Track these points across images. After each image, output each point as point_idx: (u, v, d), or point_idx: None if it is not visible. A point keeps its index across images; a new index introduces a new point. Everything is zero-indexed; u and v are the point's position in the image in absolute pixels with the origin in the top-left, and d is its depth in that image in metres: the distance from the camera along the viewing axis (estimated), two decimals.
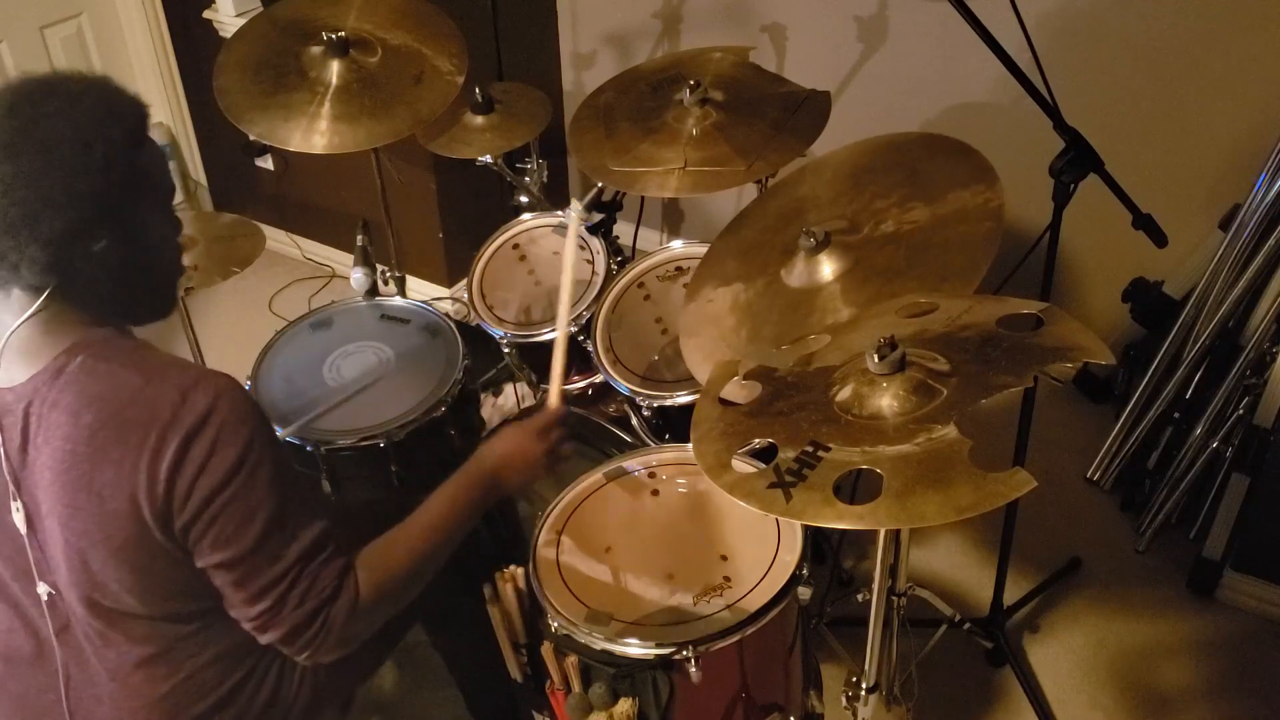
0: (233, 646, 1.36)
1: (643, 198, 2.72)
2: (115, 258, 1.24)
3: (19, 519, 1.26)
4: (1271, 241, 2.19)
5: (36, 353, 1.23)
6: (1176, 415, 2.40)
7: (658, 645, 1.41)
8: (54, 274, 1.20)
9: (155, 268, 1.31)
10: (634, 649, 1.42)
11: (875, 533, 1.40)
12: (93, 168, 1.18)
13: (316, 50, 2.13)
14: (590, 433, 1.98)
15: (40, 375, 1.22)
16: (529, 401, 2.31)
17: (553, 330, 2.04)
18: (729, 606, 1.47)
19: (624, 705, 1.47)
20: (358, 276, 2.18)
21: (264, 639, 1.30)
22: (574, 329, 2.02)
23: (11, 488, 1.25)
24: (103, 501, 1.20)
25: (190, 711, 1.35)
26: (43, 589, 1.30)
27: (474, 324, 2.14)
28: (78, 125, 1.19)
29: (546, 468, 1.56)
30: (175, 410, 1.19)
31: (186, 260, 2.65)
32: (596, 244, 2.17)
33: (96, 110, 1.21)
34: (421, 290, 3.24)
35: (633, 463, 1.71)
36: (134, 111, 1.25)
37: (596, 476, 1.69)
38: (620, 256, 2.19)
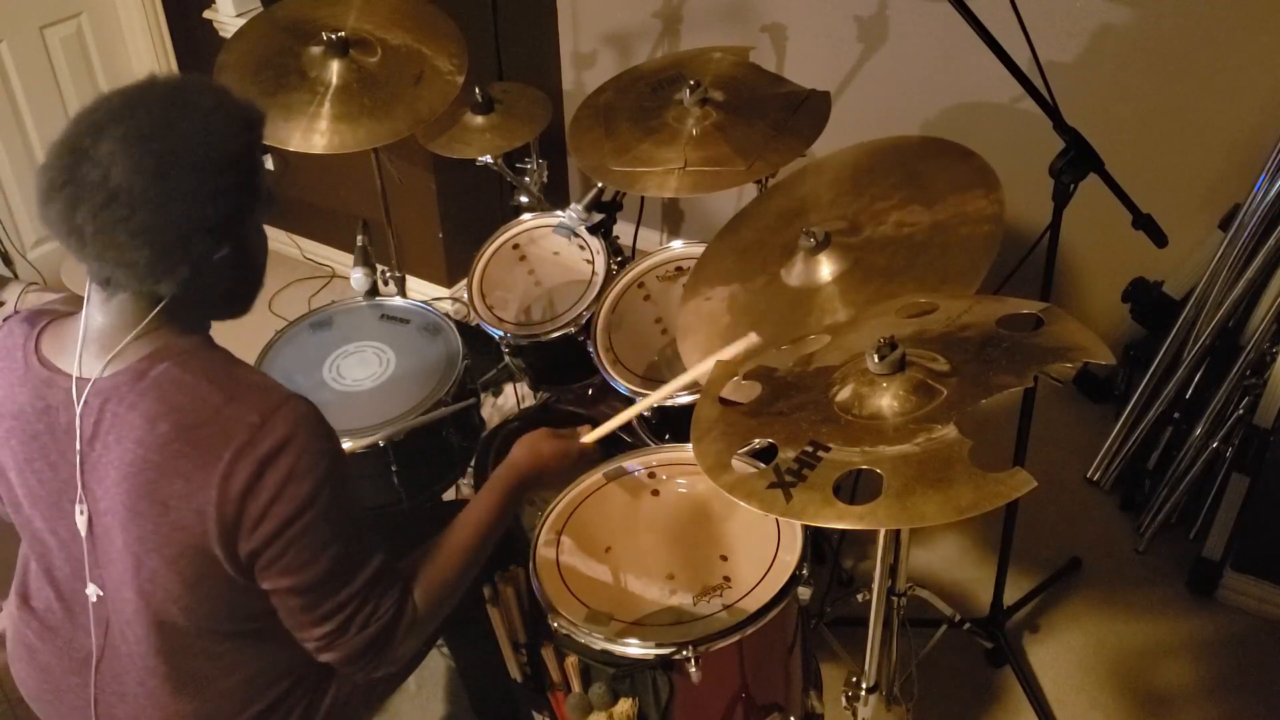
0: (264, 671, 1.36)
1: (643, 198, 2.72)
2: (230, 266, 1.24)
3: (81, 522, 1.25)
4: (1271, 241, 2.19)
5: (121, 351, 1.22)
6: (1176, 415, 2.40)
7: (658, 645, 1.41)
8: (187, 285, 1.20)
9: (257, 271, 1.32)
10: (634, 649, 1.42)
11: (875, 533, 1.40)
12: (230, 186, 1.18)
13: (316, 50, 2.13)
14: None
15: (122, 374, 1.21)
16: (529, 401, 2.31)
17: (553, 330, 2.04)
18: (729, 607, 1.47)
19: (624, 705, 1.47)
20: (358, 276, 2.18)
21: (323, 658, 1.30)
22: (575, 329, 2.02)
23: (79, 485, 1.24)
24: (166, 511, 1.19)
25: None
26: (92, 590, 1.30)
27: (474, 324, 2.13)
28: (217, 144, 1.18)
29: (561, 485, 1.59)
30: (253, 434, 1.18)
31: None
32: (596, 244, 2.17)
33: (235, 124, 1.20)
34: (421, 290, 3.25)
35: (633, 463, 1.71)
36: (259, 120, 1.25)
37: (596, 476, 1.69)
38: (620, 256, 2.19)
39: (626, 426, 1.95)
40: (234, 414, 1.19)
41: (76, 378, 1.23)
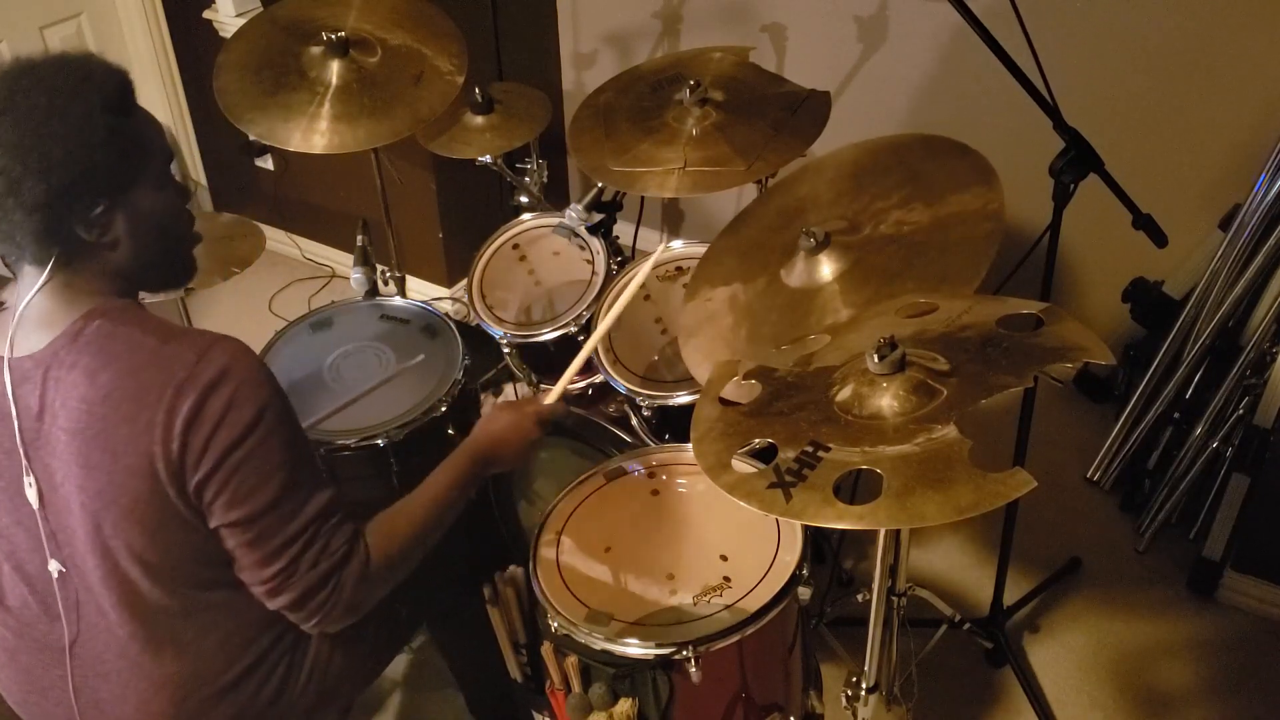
0: (240, 630, 1.37)
1: (643, 198, 2.72)
2: (120, 224, 1.26)
3: (31, 494, 1.28)
4: (1271, 241, 2.19)
5: (53, 321, 1.26)
6: (1176, 415, 2.40)
7: (658, 645, 1.41)
8: (52, 242, 1.23)
9: (167, 233, 1.34)
10: (634, 649, 1.42)
11: (875, 533, 1.40)
12: (69, 134, 1.20)
13: (316, 50, 2.13)
14: (590, 433, 1.97)
15: (59, 340, 1.25)
16: None
17: (553, 330, 2.04)
18: (729, 606, 1.47)
19: (624, 705, 1.47)
20: (358, 276, 2.18)
21: (275, 603, 1.31)
22: (575, 329, 2.02)
23: (24, 461, 1.27)
24: (117, 458, 1.22)
25: (196, 695, 1.35)
26: (53, 566, 1.31)
27: (474, 324, 2.13)
28: (52, 94, 1.21)
29: (532, 453, 1.60)
30: (191, 368, 1.22)
31: None
32: (596, 244, 2.16)
33: (70, 80, 1.23)
34: (421, 290, 3.24)
35: (633, 463, 1.71)
36: (111, 79, 1.27)
37: (596, 476, 1.69)
38: (620, 256, 2.19)
39: (627, 426, 1.96)
40: (171, 353, 1.23)
41: (8, 359, 1.27)
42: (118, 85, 1.27)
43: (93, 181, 1.23)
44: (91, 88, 1.24)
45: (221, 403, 1.22)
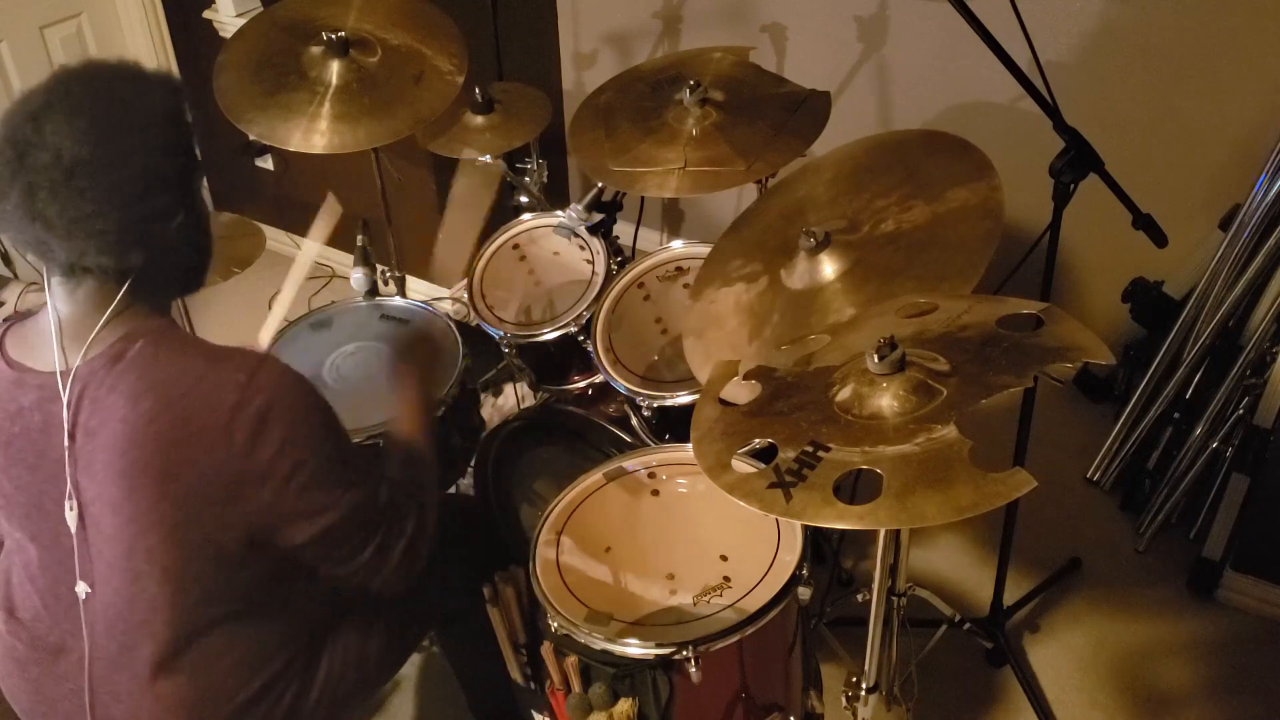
0: (253, 653, 1.36)
1: (643, 198, 2.72)
2: (188, 233, 1.27)
3: (71, 518, 1.26)
4: (1271, 241, 2.19)
5: (80, 334, 1.25)
6: (1176, 415, 2.40)
7: (658, 645, 1.41)
8: (143, 256, 1.23)
9: (209, 240, 1.35)
10: (634, 649, 1.42)
11: (875, 533, 1.40)
12: (173, 145, 1.22)
13: (316, 50, 2.13)
14: (590, 433, 1.98)
15: (97, 360, 1.23)
16: (529, 401, 2.31)
17: (553, 330, 2.04)
18: (729, 606, 1.47)
19: (624, 705, 1.47)
20: (358, 276, 2.18)
21: (374, 581, 1.36)
22: (575, 329, 2.02)
23: (70, 485, 1.25)
24: (166, 482, 1.21)
25: (204, 716, 1.34)
26: (81, 589, 1.30)
27: (474, 324, 2.13)
28: (153, 105, 1.22)
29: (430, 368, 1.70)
30: (243, 391, 1.22)
31: None
32: (596, 244, 2.16)
33: (159, 85, 1.24)
34: (421, 290, 3.24)
35: (633, 463, 1.71)
36: (181, 87, 1.28)
37: (596, 476, 1.69)
38: (620, 256, 2.19)
39: (626, 426, 1.96)
40: (219, 376, 1.22)
41: (60, 371, 1.24)
42: (185, 93, 1.27)
43: (181, 191, 1.24)
44: (180, 97, 1.25)
45: (284, 422, 1.23)
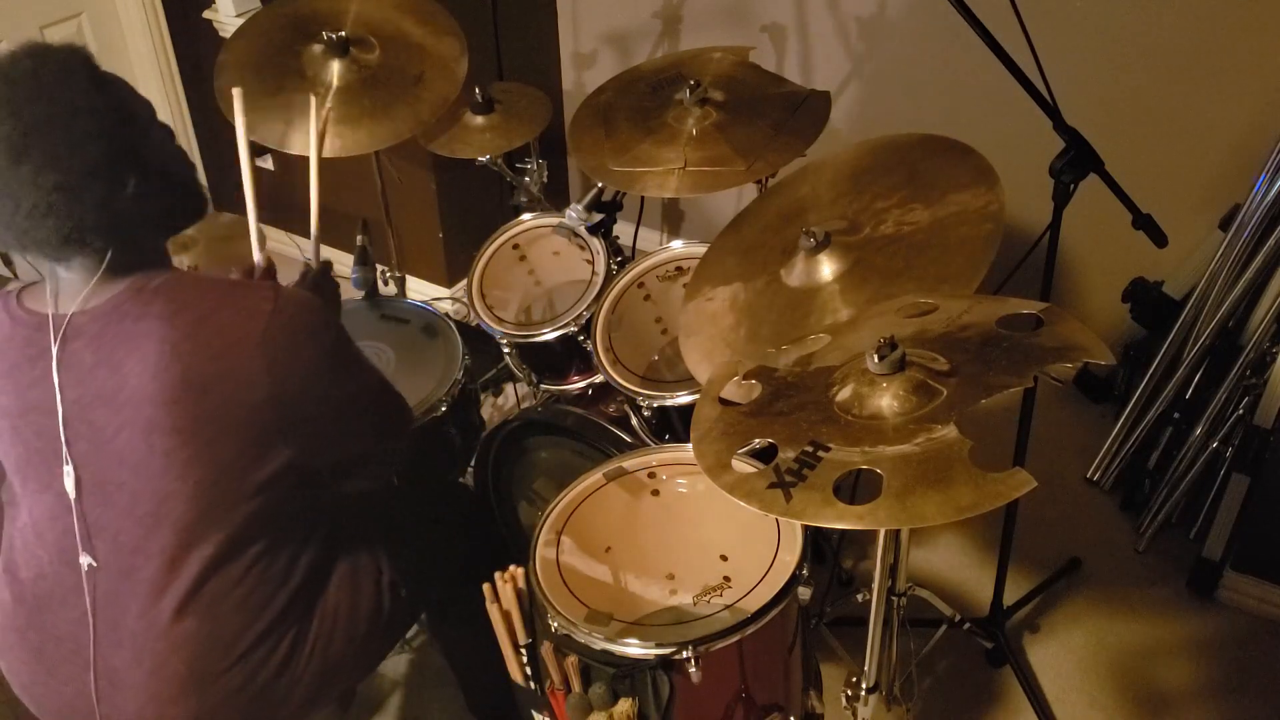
0: (258, 590, 1.38)
1: (643, 198, 2.72)
2: (148, 189, 1.29)
3: (69, 484, 1.30)
4: (1271, 241, 2.19)
5: (92, 288, 1.30)
6: (1176, 415, 2.40)
7: (658, 645, 1.41)
8: (114, 231, 1.27)
9: (186, 184, 1.39)
10: (634, 649, 1.42)
11: (875, 533, 1.40)
12: (99, 128, 1.23)
13: (316, 50, 2.13)
14: (590, 433, 1.98)
15: (121, 294, 1.29)
16: (529, 401, 2.31)
17: (553, 330, 2.04)
18: (729, 606, 1.47)
19: (624, 705, 1.47)
20: (358, 276, 2.18)
21: (391, 461, 1.54)
22: (575, 329, 2.02)
23: (65, 450, 1.29)
24: (205, 393, 1.26)
25: (210, 657, 1.36)
26: (85, 560, 1.32)
27: (474, 324, 2.13)
28: (60, 99, 1.22)
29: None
30: (275, 304, 1.30)
31: (186, 261, 2.65)
32: (596, 244, 2.16)
33: (57, 78, 1.24)
34: (421, 290, 3.24)
35: (633, 463, 1.71)
36: (80, 57, 1.28)
37: (596, 476, 1.69)
38: (620, 256, 2.19)
39: (626, 426, 1.96)
40: (249, 295, 1.30)
41: (58, 315, 1.30)
42: (86, 60, 1.28)
43: (121, 161, 1.25)
44: (81, 73, 1.25)
45: (311, 327, 1.33)
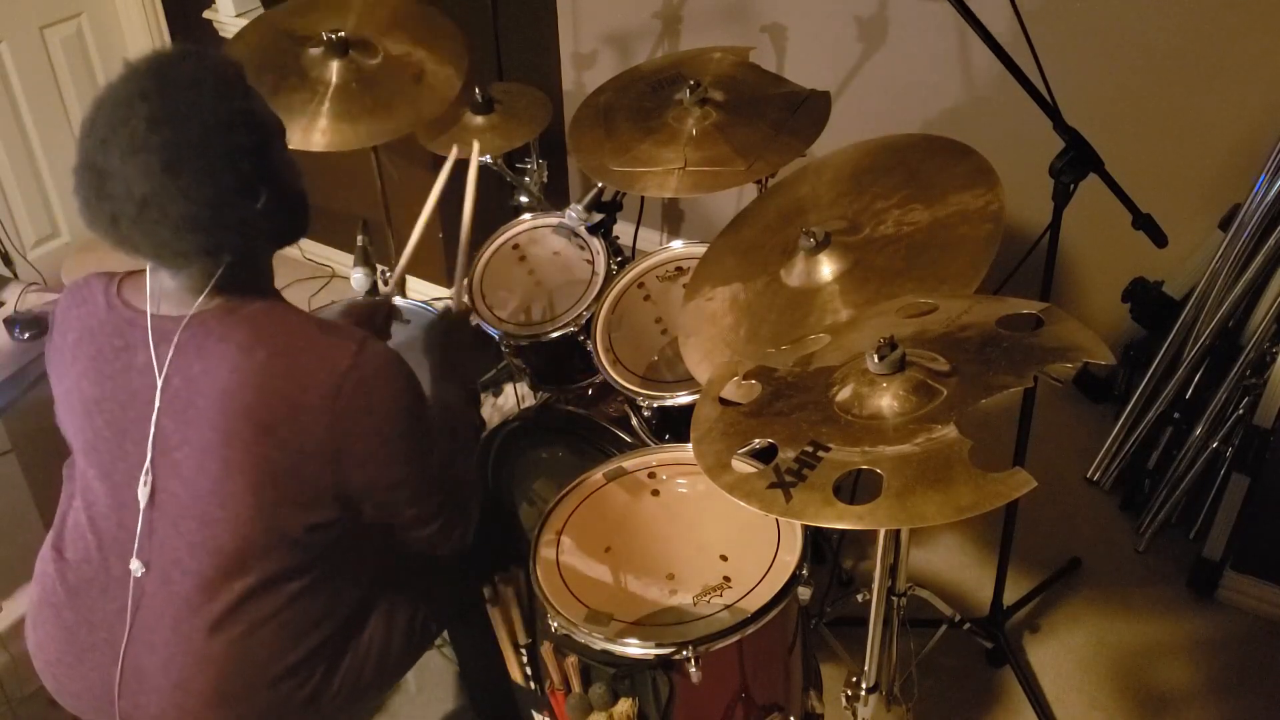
0: (295, 621, 1.37)
1: (643, 198, 2.72)
2: (275, 206, 1.28)
3: (143, 492, 1.30)
4: (1271, 241, 2.19)
5: (188, 299, 1.29)
6: (1176, 415, 2.40)
7: (658, 645, 1.41)
8: (241, 246, 1.26)
9: (300, 196, 1.37)
10: (634, 649, 1.42)
11: (875, 533, 1.40)
12: (241, 146, 1.22)
13: (316, 51, 2.13)
14: (590, 433, 1.98)
15: (210, 311, 1.27)
16: (529, 401, 2.31)
17: (553, 330, 2.04)
18: (729, 607, 1.47)
19: (624, 705, 1.47)
20: (358, 276, 2.18)
21: (443, 546, 1.45)
22: (575, 329, 2.02)
23: (150, 455, 1.29)
24: (265, 434, 1.24)
25: (237, 680, 1.34)
26: (135, 565, 1.32)
27: (474, 324, 2.13)
28: (219, 111, 1.21)
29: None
30: (354, 358, 1.27)
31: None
32: (597, 244, 2.16)
33: (220, 86, 1.23)
34: (421, 290, 3.24)
35: (633, 463, 1.71)
36: (234, 69, 1.27)
37: (596, 476, 1.69)
38: (620, 256, 2.19)
39: (626, 426, 1.96)
40: (332, 343, 1.27)
41: (152, 315, 1.29)
42: (239, 72, 1.27)
43: (259, 176, 1.24)
44: (235, 89, 1.25)
45: (383, 394, 1.28)
